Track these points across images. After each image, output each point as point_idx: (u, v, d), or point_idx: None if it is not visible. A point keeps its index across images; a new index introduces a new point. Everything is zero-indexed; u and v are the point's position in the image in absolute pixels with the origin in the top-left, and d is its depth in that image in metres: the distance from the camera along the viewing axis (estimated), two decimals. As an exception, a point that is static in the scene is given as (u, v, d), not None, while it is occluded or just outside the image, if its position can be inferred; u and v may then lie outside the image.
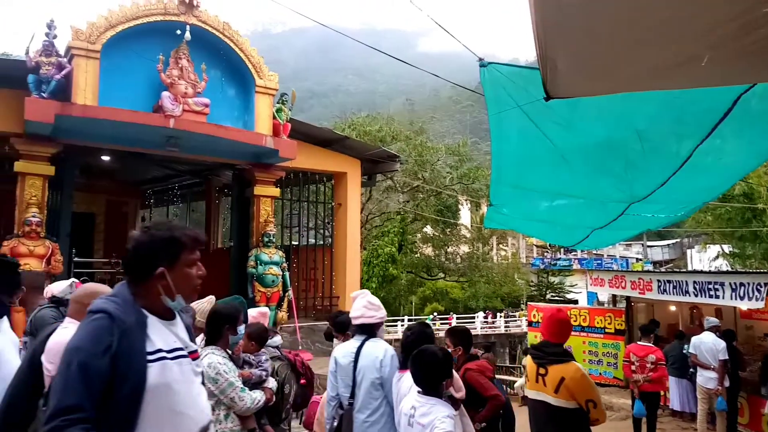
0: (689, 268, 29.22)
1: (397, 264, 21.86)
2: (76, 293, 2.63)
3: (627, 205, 4.81)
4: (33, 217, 7.33)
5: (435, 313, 29.17)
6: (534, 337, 10.39)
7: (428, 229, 28.37)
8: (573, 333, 9.62)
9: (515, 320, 29.48)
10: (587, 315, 10.42)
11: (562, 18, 1.96)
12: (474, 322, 26.25)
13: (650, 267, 29.57)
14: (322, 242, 11.38)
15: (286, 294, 9.36)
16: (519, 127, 4.02)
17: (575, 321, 10.20)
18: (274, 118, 9.07)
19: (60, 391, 1.44)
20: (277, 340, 4.31)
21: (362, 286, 11.95)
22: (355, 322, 3.60)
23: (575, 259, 36.90)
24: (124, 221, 13.57)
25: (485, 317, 27.92)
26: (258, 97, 8.89)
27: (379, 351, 3.39)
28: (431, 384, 2.71)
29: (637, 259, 38.32)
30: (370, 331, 3.55)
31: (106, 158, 10.36)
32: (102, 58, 7.55)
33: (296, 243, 11.29)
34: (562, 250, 34.55)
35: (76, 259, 8.54)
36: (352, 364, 3.44)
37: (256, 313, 4.22)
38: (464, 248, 30.32)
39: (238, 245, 10.03)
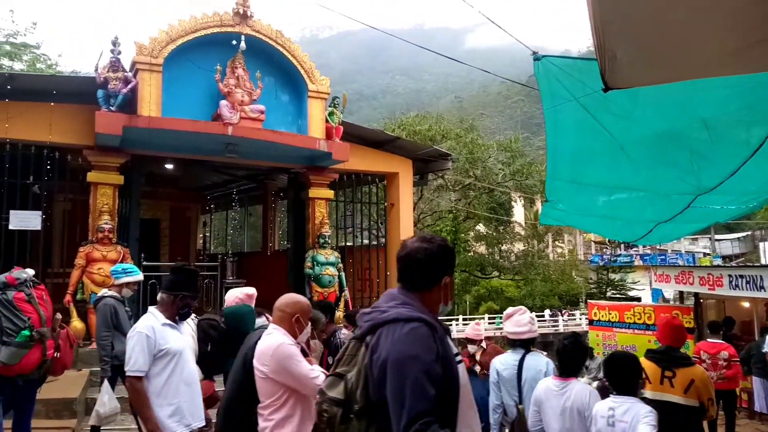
0: (762, 262, 27.50)
1: (451, 263, 21.75)
2: (279, 303, 2.84)
3: (693, 197, 4.61)
4: (105, 224, 7.79)
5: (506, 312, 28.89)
6: (596, 336, 10.08)
7: (481, 227, 28.03)
8: (637, 332, 9.32)
9: (574, 319, 28.70)
10: (652, 313, 10.01)
11: (623, 6, 1.93)
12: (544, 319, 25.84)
13: (719, 261, 28.07)
14: (375, 243, 11.48)
15: (343, 294, 9.51)
16: (575, 120, 3.94)
17: (639, 319, 9.83)
18: (327, 121, 9.24)
19: (410, 398, 1.54)
20: (259, 321, 4.31)
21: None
22: (520, 336, 3.89)
23: (637, 255, 35.50)
24: (187, 226, 14.16)
25: (553, 315, 27.33)
26: (311, 101, 9.09)
27: (542, 364, 3.80)
28: (628, 385, 3.04)
29: (705, 254, 36.46)
30: (529, 344, 3.91)
31: (169, 166, 10.86)
32: (164, 71, 7.92)
33: (350, 244, 11.44)
34: (622, 245, 33.28)
35: (144, 263, 8.97)
36: (516, 376, 3.81)
37: (242, 294, 4.20)
38: (519, 246, 29.77)
39: (295, 247, 10.28)
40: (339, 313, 9.50)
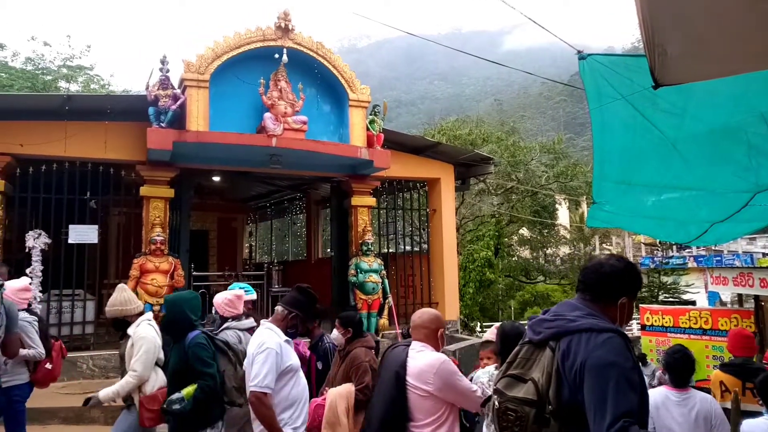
0: (830, 262, 25.90)
1: (494, 268, 21.40)
2: (422, 320, 2.94)
3: (752, 195, 4.41)
4: (157, 236, 8.08)
5: None
6: (649, 342, 9.72)
7: (524, 231, 27.54)
8: (693, 337, 8.93)
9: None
10: (709, 317, 9.55)
11: (673, 2, 1.88)
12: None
13: (781, 262, 26.58)
14: (418, 249, 11.46)
15: (386, 301, 9.53)
16: (623, 118, 3.85)
17: (695, 324, 9.42)
18: (368, 129, 9.32)
19: (613, 399, 1.64)
20: (247, 322, 4.32)
21: (459, 292, 11.87)
22: None
23: (690, 256, 33.99)
24: (233, 236, 14.53)
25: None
26: (352, 110, 9.19)
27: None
28: (688, 378, 3.27)
29: (764, 254, 34.64)
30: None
31: (216, 178, 11.19)
32: (210, 87, 8.19)
33: (393, 250, 11.45)
34: (674, 247, 32.05)
35: (194, 273, 9.25)
36: None
37: (231, 296, 4.28)
38: (564, 249, 29.08)
39: (338, 254, 10.38)
40: (383, 320, 9.53)
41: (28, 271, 7.65)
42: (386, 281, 9.64)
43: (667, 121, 3.61)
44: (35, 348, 4.24)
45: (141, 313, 4.04)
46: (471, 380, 3.79)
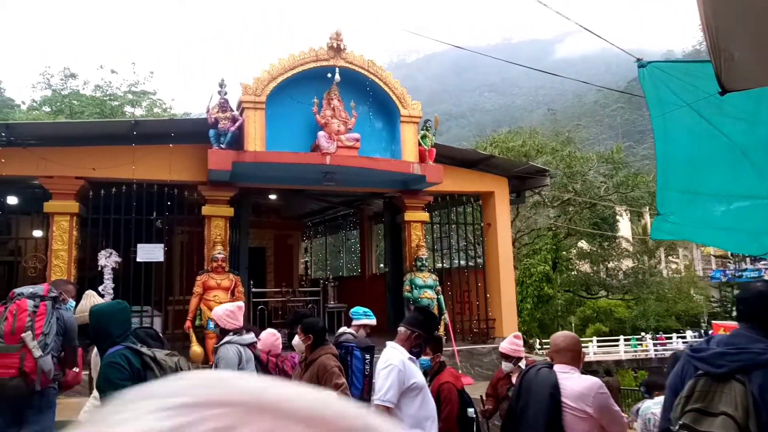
0: None
1: (553, 283, 20.82)
2: (566, 343, 3.03)
3: (834, 202, 4.11)
4: (219, 254, 8.37)
5: (642, 334, 27.36)
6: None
7: (583, 244, 26.67)
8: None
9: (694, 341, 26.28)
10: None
11: (738, 3, 1.80)
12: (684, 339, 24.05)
13: None
14: (473, 264, 11.31)
15: (442, 317, 9.43)
16: (687, 126, 3.69)
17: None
18: (420, 144, 9.34)
19: None
20: (248, 337, 4.38)
21: (517, 307, 11.59)
22: None
23: (766, 269, 31.92)
24: (289, 253, 14.84)
25: (697, 335, 25.35)
26: (403, 126, 9.25)
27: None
28: None
29: None
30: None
31: (272, 197, 11.51)
32: (266, 108, 8.46)
33: (447, 266, 11.35)
34: (747, 259, 30.13)
35: (253, 289, 9.50)
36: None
37: (233, 307, 4.38)
38: (627, 263, 27.91)
39: (393, 270, 10.39)
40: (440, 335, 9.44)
41: (100, 288, 8.09)
42: (441, 297, 9.55)
43: (736, 127, 3.44)
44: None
45: None
46: (638, 411, 3.83)
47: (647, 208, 25.38)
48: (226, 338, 4.27)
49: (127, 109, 24.14)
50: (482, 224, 11.17)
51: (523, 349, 4.88)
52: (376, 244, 15.74)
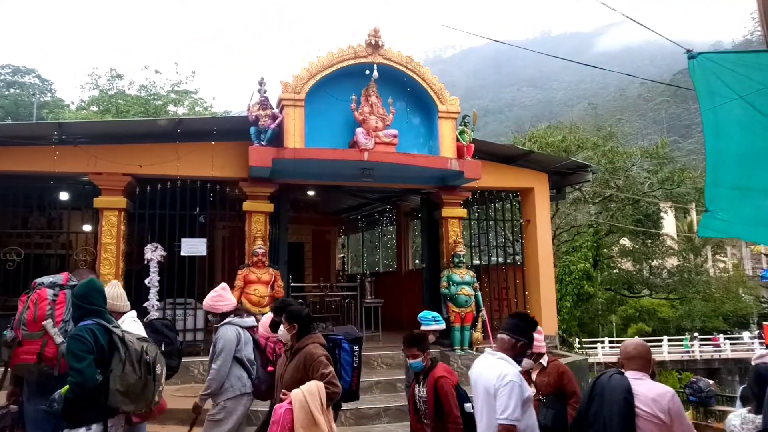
0: None
1: (593, 281, 20.34)
2: (638, 351, 3.11)
3: None
4: (259, 248, 8.52)
5: (695, 334, 26.63)
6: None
7: (626, 242, 25.95)
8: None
9: (743, 343, 25.31)
10: None
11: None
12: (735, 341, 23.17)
13: None
14: (512, 261, 11.18)
15: (480, 314, 9.36)
16: (740, 119, 3.56)
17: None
18: (458, 140, 9.28)
19: None
20: (249, 320, 4.54)
21: (556, 305, 11.39)
22: None
23: (822, 268, 30.40)
24: (327, 248, 15.01)
25: (754, 337, 24.49)
26: (441, 122, 9.21)
27: None
28: None
29: None
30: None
31: (311, 193, 11.65)
32: (306, 105, 8.56)
33: (486, 262, 11.25)
34: (802, 258, 28.76)
35: (292, 284, 9.64)
36: None
37: (219, 290, 4.55)
38: (672, 261, 27.02)
39: (429, 267, 10.37)
40: (477, 334, 9.36)
41: (146, 281, 8.38)
42: (479, 294, 9.47)
43: (795, 120, 3.29)
44: None
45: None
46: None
47: (694, 204, 24.52)
48: (227, 319, 4.43)
49: (170, 108, 24.87)
50: (521, 221, 11.02)
51: (541, 344, 4.60)
52: (413, 240, 15.72)
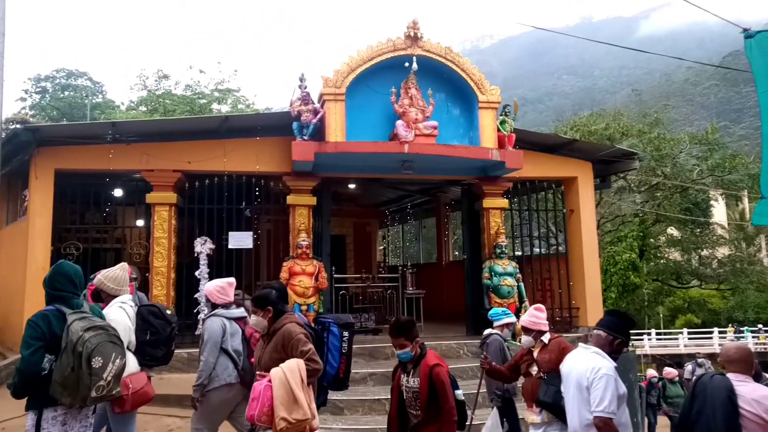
0: None
1: (639, 271, 19.83)
2: (740, 355, 3.15)
3: None
4: (303, 241, 8.71)
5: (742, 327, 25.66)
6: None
7: (673, 231, 25.15)
8: None
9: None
10: None
11: None
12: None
13: None
14: (555, 251, 11.03)
15: (523, 305, 9.29)
16: (800, 101, 3.41)
17: None
18: (499, 130, 9.20)
19: None
20: (237, 312, 4.44)
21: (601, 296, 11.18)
22: None
23: None
24: (368, 240, 15.13)
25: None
26: (481, 112, 9.15)
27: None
28: None
29: None
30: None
31: (352, 186, 11.78)
32: (346, 99, 8.65)
33: (528, 253, 11.14)
34: None
35: (335, 275, 9.81)
36: None
37: (223, 283, 4.49)
38: (723, 250, 26.01)
39: (471, 258, 10.35)
40: (520, 325, 9.30)
41: (197, 273, 8.69)
42: (522, 285, 9.42)
43: None
44: None
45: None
46: None
47: (746, 191, 23.52)
48: (214, 311, 4.45)
49: (214, 106, 25.50)
50: (564, 210, 10.85)
51: (544, 322, 4.49)
52: (453, 231, 15.68)
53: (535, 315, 4.50)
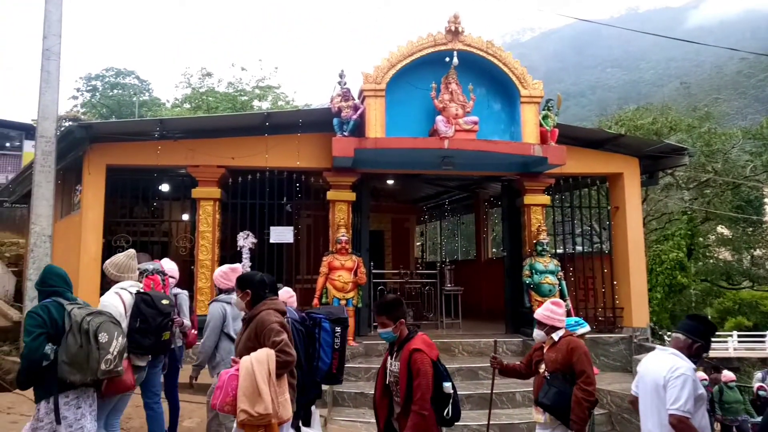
0: None
1: (687, 271, 19.12)
2: None
3: None
4: (342, 236, 8.77)
5: None
6: None
7: (724, 230, 24.15)
8: None
9: None
10: None
11: None
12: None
13: None
14: (599, 249, 10.76)
15: (565, 304, 9.10)
16: None
17: None
18: (541, 125, 9.03)
19: None
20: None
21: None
22: None
23: None
24: (406, 236, 15.15)
25: None
26: (523, 107, 8.99)
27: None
28: None
29: None
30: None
31: (390, 182, 11.79)
32: (386, 95, 8.66)
33: (571, 251, 10.90)
34: None
35: (373, 270, 9.85)
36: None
37: (227, 268, 4.71)
38: (777, 250, 24.81)
39: (511, 255, 10.21)
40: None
41: (239, 266, 8.86)
42: (564, 283, 9.23)
43: None
44: (187, 318, 5.14)
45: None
46: None
47: (804, 189, 22.35)
48: (217, 297, 4.62)
49: (255, 103, 25.94)
50: (608, 207, 10.57)
51: (559, 318, 4.26)
52: (492, 227, 15.50)
53: (551, 309, 4.32)
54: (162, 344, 4.03)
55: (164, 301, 4.07)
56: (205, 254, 8.84)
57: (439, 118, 8.60)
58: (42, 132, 7.01)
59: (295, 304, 4.85)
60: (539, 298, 8.98)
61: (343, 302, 8.46)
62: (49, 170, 7.01)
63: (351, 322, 8.46)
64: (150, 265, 4.76)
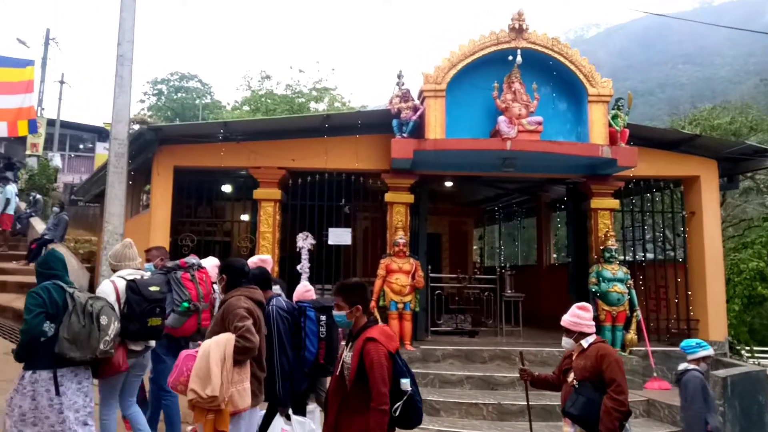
0: None
1: (768, 282, 17.74)
2: None
3: None
4: (400, 239, 8.67)
5: None
6: None
7: (811, 238, 22.25)
8: None
9: None
10: None
11: None
12: None
13: None
14: (671, 257, 10.12)
15: (634, 314, 8.63)
16: None
17: None
18: (610, 125, 8.60)
19: None
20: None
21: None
22: None
23: None
24: (464, 239, 14.83)
25: None
26: (591, 106, 8.59)
27: None
28: None
29: None
30: None
31: (448, 184, 11.59)
32: (447, 95, 8.49)
33: (641, 258, 10.31)
34: None
35: (431, 274, 9.68)
36: None
37: (256, 259, 4.74)
38: None
39: (576, 261, 9.78)
40: (631, 335, 8.62)
41: (298, 267, 8.95)
42: (633, 292, 8.73)
43: None
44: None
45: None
46: None
47: None
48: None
49: (312, 104, 26.33)
50: (683, 213, 9.93)
51: (587, 323, 4.02)
52: (554, 232, 14.96)
53: (577, 314, 4.06)
54: (149, 330, 4.00)
55: (152, 288, 4.06)
56: (265, 254, 8.96)
57: (501, 118, 8.35)
58: (115, 135, 7.32)
59: (313, 298, 4.89)
60: (606, 308, 8.55)
61: (400, 306, 8.36)
62: (122, 171, 7.31)
63: (408, 326, 8.35)
64: (192, 260, 4.92)
